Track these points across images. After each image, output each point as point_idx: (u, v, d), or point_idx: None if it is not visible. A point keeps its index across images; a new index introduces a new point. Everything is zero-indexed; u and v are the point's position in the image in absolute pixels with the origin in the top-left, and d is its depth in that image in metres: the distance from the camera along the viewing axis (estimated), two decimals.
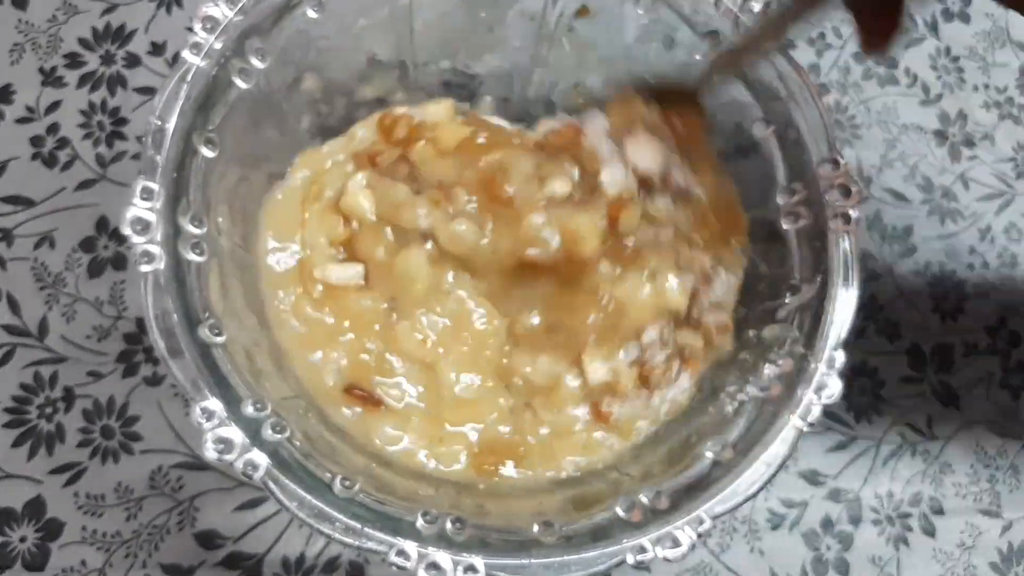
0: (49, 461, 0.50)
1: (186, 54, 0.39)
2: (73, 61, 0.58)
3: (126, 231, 0.36)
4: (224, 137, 0.40)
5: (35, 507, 0.49)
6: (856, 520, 0.53)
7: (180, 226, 0.37)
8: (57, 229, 0.54)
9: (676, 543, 0.35)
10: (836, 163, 0.40)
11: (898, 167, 0.61)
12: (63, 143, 0.56)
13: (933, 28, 0.65)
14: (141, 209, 0.36)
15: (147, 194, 0.37)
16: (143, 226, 0.36)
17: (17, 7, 0.60)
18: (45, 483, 0.49)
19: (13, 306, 0.52)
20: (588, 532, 0.36)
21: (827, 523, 0.52)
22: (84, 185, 0.55)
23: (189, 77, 0.38)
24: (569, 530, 0.36)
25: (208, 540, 0.49)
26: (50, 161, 0.56)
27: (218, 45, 0.39)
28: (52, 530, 0.49)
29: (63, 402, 0.51)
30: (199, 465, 0.50)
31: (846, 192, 0.39)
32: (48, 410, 0.51)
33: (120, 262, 0.53)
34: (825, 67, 0.63)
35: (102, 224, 0.54)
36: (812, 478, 0.53)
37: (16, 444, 0.50)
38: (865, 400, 0.55)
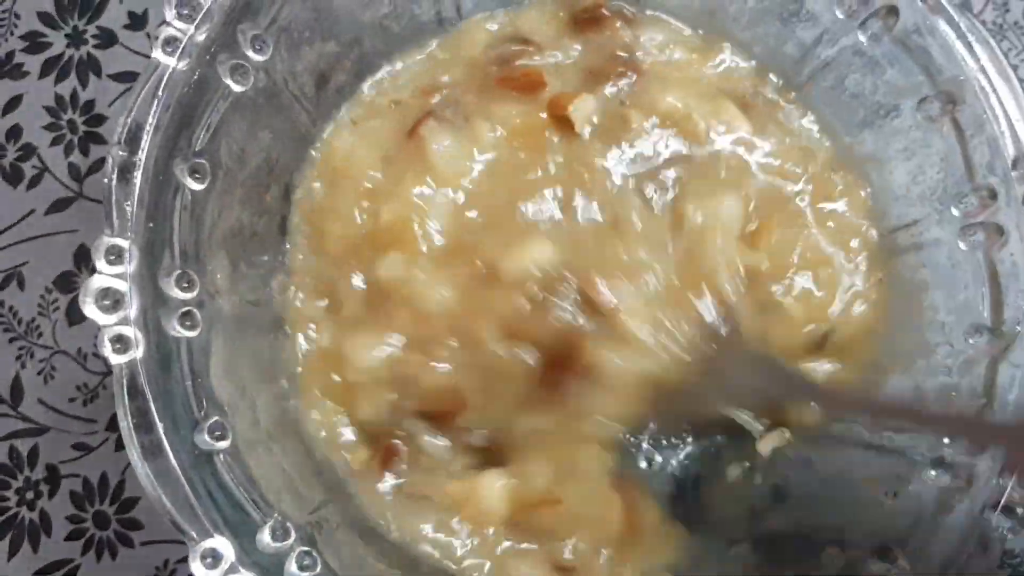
0: (34, 559, 0.43)
1: (158, 54, 0.31)
2: (33, 43, 0.50)
3: (89, 311, 0.27)
4: (216, 160, 0.32)
5: None
6: None
7: (162, 293, 0.30)
8: (27, 263, 0.47)
9: None
10: None
11: None
12: (28, 151, 0.48)
13: None
14: (108, 277, 0.28)
15: (114, 255, 0.28)
16: (113, 300, 0.28)
17: None
18: None
19: None
20: None
21: None
22: (57, 206, 0.48)
23: (163, 84, 0.31)
24: None
25: None
26: (13, 176, 0.48)
27: (200, 38, 0.31)
28: None
29: (46, 484, 0.44)
30: None
31: None
32: (29, 495, 0.44)
33: None
34: None
35: (82, 254, 0.47)
36: None
37: None
38: None
